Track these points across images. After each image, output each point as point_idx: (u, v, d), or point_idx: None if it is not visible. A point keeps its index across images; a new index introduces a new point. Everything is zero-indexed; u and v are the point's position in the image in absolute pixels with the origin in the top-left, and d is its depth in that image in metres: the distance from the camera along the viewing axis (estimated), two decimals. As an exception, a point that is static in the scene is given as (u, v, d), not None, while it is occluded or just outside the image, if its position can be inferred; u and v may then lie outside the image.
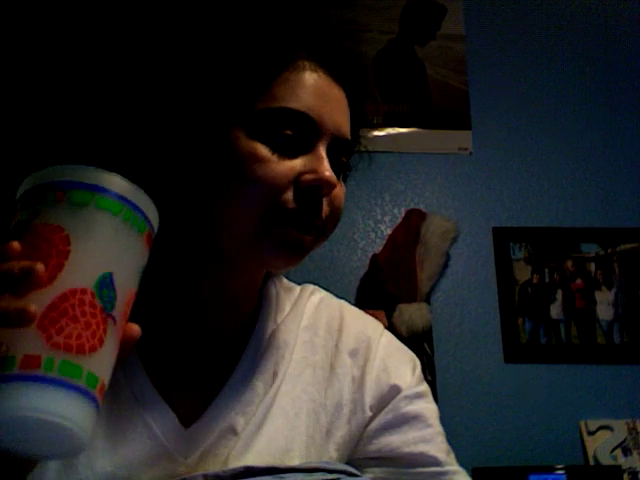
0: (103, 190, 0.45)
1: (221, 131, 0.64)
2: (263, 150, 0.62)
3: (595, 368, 1.74)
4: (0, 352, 0.40)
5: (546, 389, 1.72)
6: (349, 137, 0.68)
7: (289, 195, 0.62)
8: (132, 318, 0.51)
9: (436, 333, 1.73)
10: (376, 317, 1.69)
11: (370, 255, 1.77)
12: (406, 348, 0.78)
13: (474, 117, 1.92)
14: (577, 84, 1.98)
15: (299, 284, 0.81)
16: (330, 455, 0.68)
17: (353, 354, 0.73)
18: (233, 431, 0.65)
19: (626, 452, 1.65)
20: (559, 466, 1.58)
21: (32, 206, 0.45)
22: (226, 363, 0.70)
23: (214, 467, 0.63)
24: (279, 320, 0.74)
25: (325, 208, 0.65)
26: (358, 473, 0.65)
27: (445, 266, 1.79)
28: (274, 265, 0.67)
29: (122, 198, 0.45)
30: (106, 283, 0.43)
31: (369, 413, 0.70)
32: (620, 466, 1.62)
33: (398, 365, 0.74)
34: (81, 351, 0.42)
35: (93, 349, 0.42)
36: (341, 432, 0.69)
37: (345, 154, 0.68)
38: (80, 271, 0.43)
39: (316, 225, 0.65)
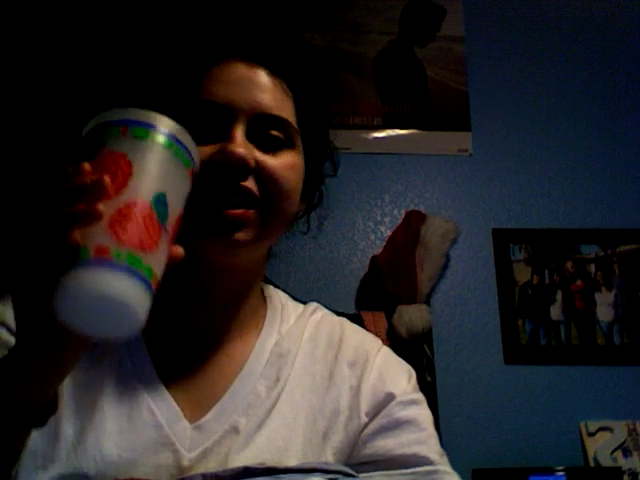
0: (158, 128, 0.55)
1: None
2: None
3: (595, 369, 1.74)
4: (79, 244, 0.48)
5: (546, 390, 1.72)
6: (272, 112, 0.70)
7: (204, 179, 0.65)
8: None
9: (436, 334, 1.73)
10: (376, 318, 1.70)
11: (370, 256, 1.77)
12: (403, 361, 0.80)
13: (474, 118, 1.93)
14: (577, 85, 1.98)
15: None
16: (327, 458, 0.69)
17: (351, 365, 0.75)
18: (235, 430, 0.67)
19: (626, 453, 1.64)
20: (559, 467, 1.58)
21: (99, 138, 0.54)
22: (231, 367, 0.72)
23: (215, 463, 0.65)
24: (283, 331, 0.77)
25: (251, 184, 0.68)
26: (355, 474, 0.66)
27: (445, 267, 1.79)
28: (216, 248, 0.68)
29: (173, 137, 0.55)
30: (161, 200, 0.52)
31: (365, 419, 0.72)
32: (620, 467, 1.62)
33: (394, 375, 0.76)
34: (142, 248, 0.50)
35: (150, 249, 0.50)
36: (338, 437, 0.71)
37: (273, 127, 0.70)
38: (140, 188, 0.51)
39: (243, 195, 0.67)
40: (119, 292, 0.48)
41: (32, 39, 1.79)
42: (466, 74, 1.96)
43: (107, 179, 0.49)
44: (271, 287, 0.84)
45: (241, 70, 0.71)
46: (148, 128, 0.54)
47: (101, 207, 0.48)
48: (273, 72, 0.72)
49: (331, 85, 1.92)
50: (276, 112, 0.70)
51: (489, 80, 1.96)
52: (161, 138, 0.54)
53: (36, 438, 0.63)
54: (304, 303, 0.84)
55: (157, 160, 0.54)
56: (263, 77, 0.71)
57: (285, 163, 0.70)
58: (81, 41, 1.77)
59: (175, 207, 0.54)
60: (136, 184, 0.52)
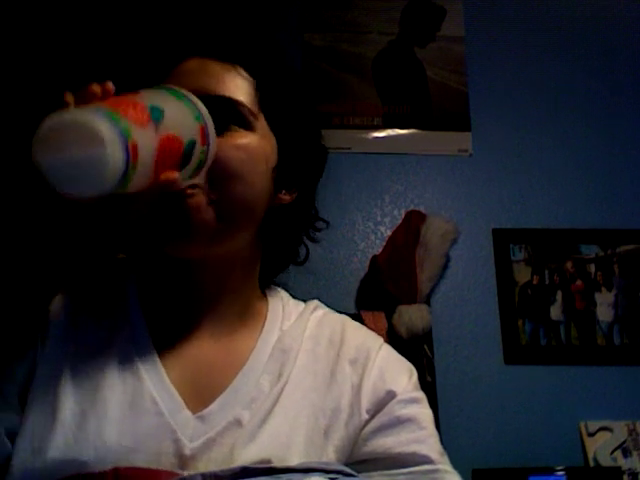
0: (174, 87, 0.65)
1: None
2: None
3: (595, 369, 1.74)
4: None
5: (546, 390, 1.72)
6: (217, 92, 0.70)
7: None
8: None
9: (436, 334, 1.73)
10: (376, 318, 1.70)
11: (370, 256, 1.77)
12: (404, 359, 0.80)
13: (474, 118, 1.93)
14: (577, 85, 1.98)
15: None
16: (329, 457, 0.69)
17: (353, 363, 0.75)
18: (239, 423, 0.67)
19: (626, 453, 1.64)
20: (559, 467, 1.58)
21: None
22: (233, 361, 0.73)
23: (218, 455, 0.65)
24: (285, 328, 0.77)
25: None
26: (354, 474, 0.66)
27: (445, 267, 1.79)
28: (174, 239, 0.69)
29: (184, 94, 0.64)
30: (156, 109, 0.57)
31: (365, 416, 0.72)
32: (620, 467, 1.62)
33: (394, 374, 0.76)
34: (123, 113, 0.54)
35: (131, 118, 0.54)
36: (339, 435, 0.71)
37: (221, 108, 0.70)
38: (143, 97, 0.58)
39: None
40: (89, 119, 0.51)
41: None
42: (466, 74, 1.96)
43: (110, 84, 0.57)
44: (272, 287, 0.84)
45: (194, 64, 0.73)
46: (168, 89, 0.64)
47: (96, 87, 0.56)
48: (224, 59, 0.73)
49: (327, 83, 1.92)
50: (222, 92, 0.71)
51: (489, 80, 1.96)
52: (173, 91, 0.63)
53: (34, 417, 0.64)
54: (304, 301, 0.84)
55: (164, 95, 0.62)
56: (213, 65, 0.72)
57: (234, 143, 0.70)
58: (55, 40, 1.77)
59: (171, 125, 0.59)
60: (142, 95, 0.58)
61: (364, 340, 0.78)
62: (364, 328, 0.83)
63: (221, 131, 0.68)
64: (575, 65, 1.99)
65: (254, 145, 0.71)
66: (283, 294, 0.84)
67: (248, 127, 0.71)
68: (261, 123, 0.73)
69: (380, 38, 1.98)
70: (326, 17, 1.98)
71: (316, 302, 0.83)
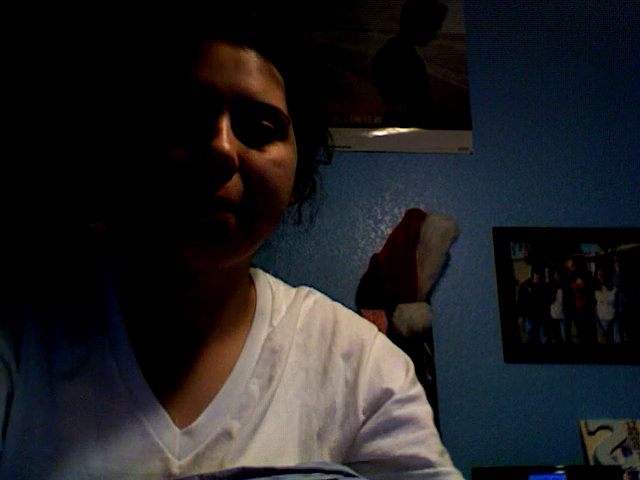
0: None
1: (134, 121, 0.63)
2: (158, 139, 0.60)
3: (595, 368, 1.74)
4: None
5: (546, 389, 1.72)
6: (261, 99, 0.62)
7: (185, 180, 0.59)
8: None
9: (436, 333, 1.73)
10: (376, 317, 1.69)
11: (370, 255, 1.77)
12: (400, 350, 0.77)
13: (474, 117, 1.92)
14: (578, 84, 1.97)
15: (298, 285, 0.81)
16: (324, 459, 0.68)
17: (346, 357, 0.72)
18: (229, 435, 0.65)
19: (626, 452, 1.64)
20: (559, 466, 1.58)
21: None
22: (222, 366, 0.69)
23: (209, 469, 0.62)
24: (275, 323, 0.73)
25: (237, 184, 0.60)
26: (355, 474, 0.65)
27: (445, 266, 1.79)
28: (197, 253, 0.61)
29: None
30: None
31: (362, 417, 0.70)
32: (620, 466, 1.62)
33: (391, 368, 0.73)
34: None
35: None
36: (334, 436, 0.69)
37: (262, 117, 0.63)
38: None
39: (222, 202, 0.59)
40: None
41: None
42: (467, 72, 1.96)
43: None
44: (259, 272, 0.79)
45: (225, 51, 0.62)
46: None
47: None
48: (261, 54, 0.64)
49: (328, 81, 1.92)
50: (265, 99, 0.62)
51: (490, 78, 1.96)
52: None
53: (13, 452, 0.61)
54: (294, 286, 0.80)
55: None
56: (250, 59, 0.63)
57: (274, 159, 0.63)
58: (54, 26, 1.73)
59: None
60: None
61: (357, 331, 0.75)
62: (356, 317, 0.79)
63: (262, 144, 0.63)
64: (576, 64, 1.99)
65: (290, 158, 0.66)
66: (270, 279, 0.79)
67: (283, 138, 0.65)
68: (291, 130, 0.67)
69: (381, 36, 1.98)
70: (327, 15, 1.98)
71: (307, 289, 0.79)
